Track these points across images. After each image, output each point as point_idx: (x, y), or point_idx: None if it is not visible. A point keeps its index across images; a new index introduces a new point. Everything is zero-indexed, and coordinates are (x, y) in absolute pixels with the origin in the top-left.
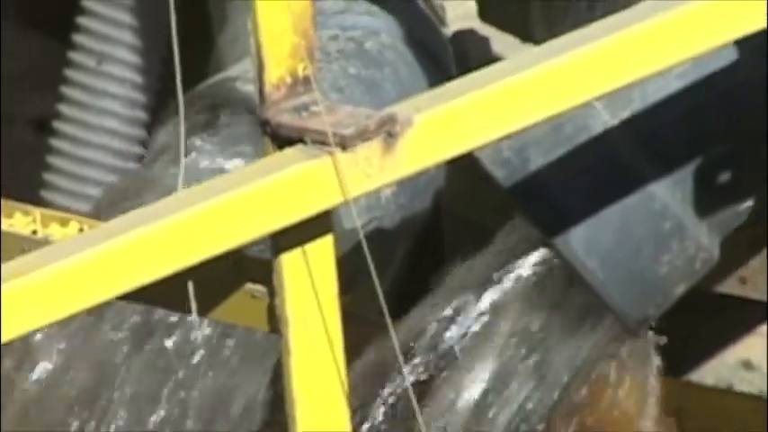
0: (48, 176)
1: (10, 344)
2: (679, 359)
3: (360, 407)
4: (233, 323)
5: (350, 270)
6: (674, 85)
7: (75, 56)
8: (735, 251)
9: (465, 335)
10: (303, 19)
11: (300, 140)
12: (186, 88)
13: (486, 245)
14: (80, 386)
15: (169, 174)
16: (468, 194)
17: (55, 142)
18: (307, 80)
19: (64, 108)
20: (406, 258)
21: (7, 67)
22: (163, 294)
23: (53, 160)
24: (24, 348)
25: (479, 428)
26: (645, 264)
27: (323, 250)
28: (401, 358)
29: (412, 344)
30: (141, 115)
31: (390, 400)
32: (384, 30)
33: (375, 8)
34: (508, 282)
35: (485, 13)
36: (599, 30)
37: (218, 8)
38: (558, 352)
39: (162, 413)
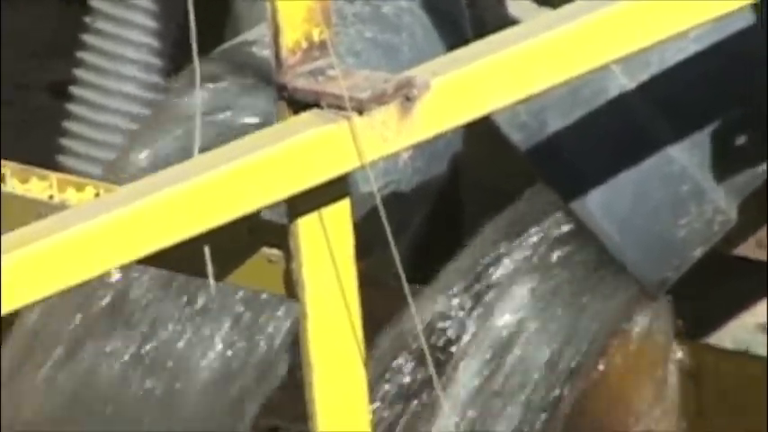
0: (65, 141)
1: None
2: (697, 322)
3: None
4: (249, 287)
5: (367, 234)
6: (692, 48)
7: (92, 21)
8: (752, 214)
9: (484, 301)
10: None
11: (317, 105)
12: (203, 53)
13: (504, 210)
14: None
15: None
16: (486, 158)
17: (72, 107)
18: (323, 44)
19: (81, 73)
20: (424, 222)
21: (23, 32)
22: (179, 259)
23: (70, 125)
24: None
25: (499, 389)
26: (662, 227)
27: (339, 214)
28: (419, 321)
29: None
30: (158, 80)
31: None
32: None
33: None
34: (527, 247)
35: None
36: None
37: None
38: (577, 316)
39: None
